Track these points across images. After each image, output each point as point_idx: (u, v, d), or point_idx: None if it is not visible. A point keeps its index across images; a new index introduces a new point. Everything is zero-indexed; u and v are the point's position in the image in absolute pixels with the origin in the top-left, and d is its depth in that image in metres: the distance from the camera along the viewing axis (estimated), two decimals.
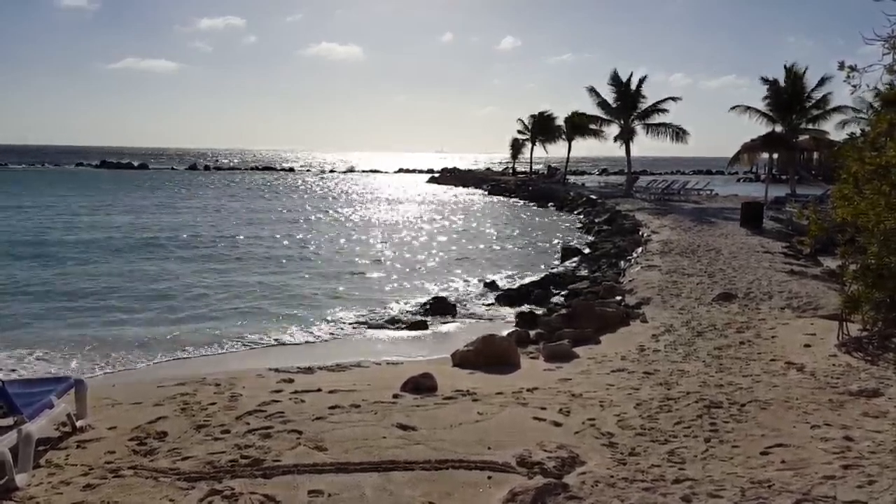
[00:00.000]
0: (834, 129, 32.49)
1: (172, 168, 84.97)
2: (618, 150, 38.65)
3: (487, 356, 7.61)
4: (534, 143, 54.32)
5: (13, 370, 8.28)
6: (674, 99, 36.48)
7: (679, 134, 35.92)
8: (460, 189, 53.45)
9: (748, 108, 33.32)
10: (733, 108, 33.85)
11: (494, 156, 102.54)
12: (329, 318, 11.80)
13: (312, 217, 31.04)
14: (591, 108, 38.60)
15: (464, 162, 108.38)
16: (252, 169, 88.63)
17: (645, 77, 36.33)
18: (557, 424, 5.29)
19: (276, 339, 10.27)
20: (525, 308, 11.81)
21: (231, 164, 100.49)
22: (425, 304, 12.21)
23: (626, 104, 36.49)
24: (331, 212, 33.91)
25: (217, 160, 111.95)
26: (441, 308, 11.89)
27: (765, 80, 32.87)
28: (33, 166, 79.89)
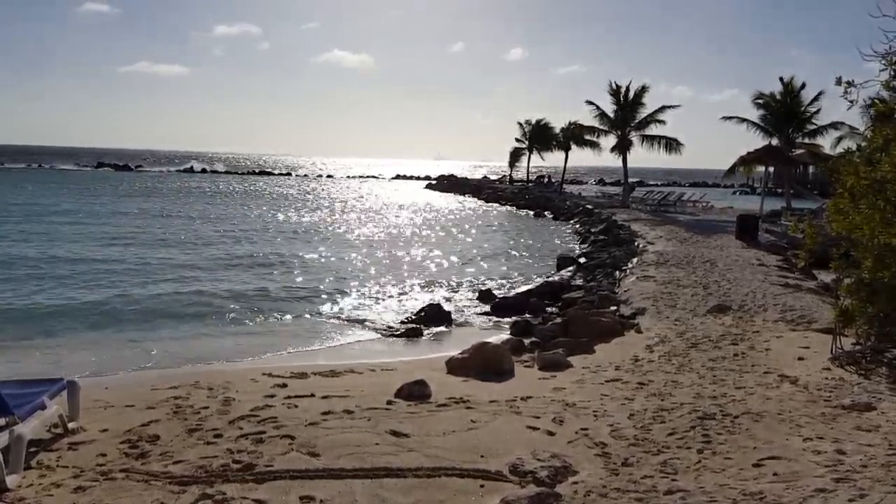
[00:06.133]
0: (830, 145, 32.72)
1: (168, 170, 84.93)
2: (615, 161, 38.83)
3: (481, 364, 7.60)
4: (531, 152, 54.51)
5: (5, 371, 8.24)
6: (671, 107, 36.62)
7: (672, 145, 36.02)
8: (457, 196, 53.51)
9: (743, 119, 33.53)
10: (727, 118, 34.06)
11: (499, 164, 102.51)
12: (323, 323, 11.79)
13: (305, 221, 31.02)
14: (593, 120, 38.74)
15: (465, 169, 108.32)
16: (249, 173, 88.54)
17: (644, 86, 36.46)
18: (551, 433, 5.29)
19: (268, 344, 10.25)
20: (520, 317, 11.82)
21: (229, 167, 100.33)
22: (420, 311, 12.20)
23: (624, 115, 36.60)
24: (321, 217, 33.90)
25: (214, 163, 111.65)
26: (436, 315, 11.88)
27: (760, 94, 33.12)
28: (30, 167, 79.76)
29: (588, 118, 38.93)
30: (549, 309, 12.60)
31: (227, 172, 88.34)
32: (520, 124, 54.39)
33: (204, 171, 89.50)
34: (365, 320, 11.97)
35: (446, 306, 12.65)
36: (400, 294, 14.63)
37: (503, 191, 51.18)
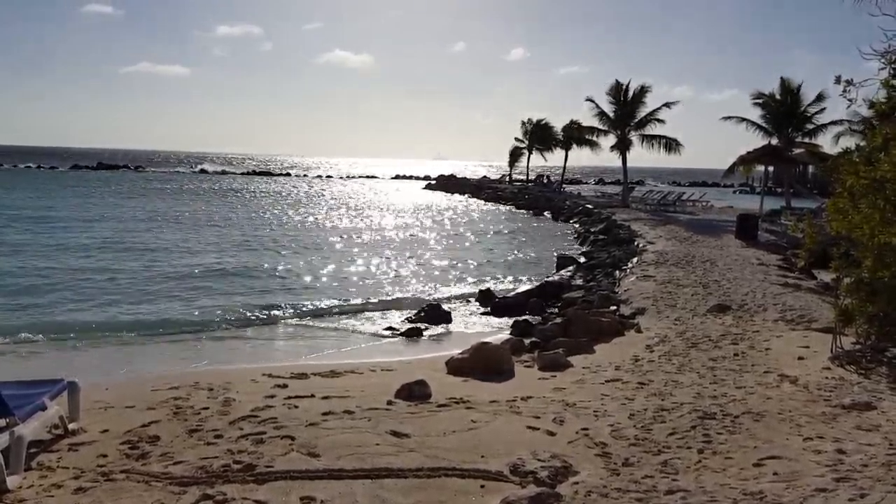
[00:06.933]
0: (830, 144, 32.74)
1: (167, 171, 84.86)
2: (615, 160, 38.80)
3: (482, 364, 7.60)
4: (531, 152, 54.52)
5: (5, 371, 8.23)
6: (670, 104, 36.53)
7: (672, 145, 35.99)
8: (457, 196, 53.47)
9: (743, 119, 33.58)
10: (727, 118, 34.12)
11: (499, 164, 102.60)
12: (323, 324, 11.78)
13: (304, 222, 31.02)
14: (592, 119, 38.70)
15: (466, 168, 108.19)
16: (251, 173, 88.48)
17: (643, 86, 36.36)
18: (551, 433, 5.28)
19: (268, 346, 10.25)
20: (520, 317, 11.82)
21: (228, 167, 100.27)
22: (420, 311, 12.21)
23: (624, 114, 36.56)
24: (322, 218, 33.89)
25: (215, 163, 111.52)
26: (436, 316, 11.88)
27: (760, 94, 33.18)
28: (29, 167, 79.65)
29: (588, 116, 38.91)
30: (548, 309, 12.60)
31: (223, 172, 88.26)
32: (522, 123, 54.43)
33: (203, 171, 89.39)
34: (365, 321, 11.97)
35: (446, 306, 12.65)
36: (399, 295, 14.63)
37: (503, 191, 51.15)
